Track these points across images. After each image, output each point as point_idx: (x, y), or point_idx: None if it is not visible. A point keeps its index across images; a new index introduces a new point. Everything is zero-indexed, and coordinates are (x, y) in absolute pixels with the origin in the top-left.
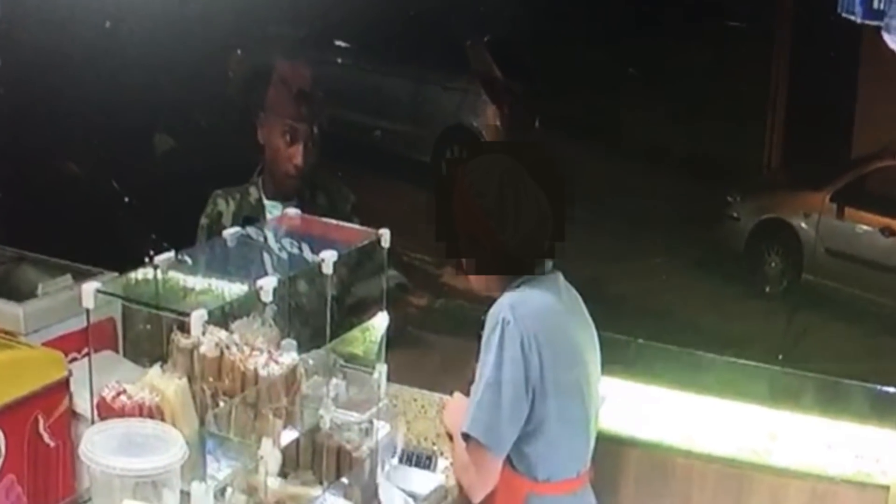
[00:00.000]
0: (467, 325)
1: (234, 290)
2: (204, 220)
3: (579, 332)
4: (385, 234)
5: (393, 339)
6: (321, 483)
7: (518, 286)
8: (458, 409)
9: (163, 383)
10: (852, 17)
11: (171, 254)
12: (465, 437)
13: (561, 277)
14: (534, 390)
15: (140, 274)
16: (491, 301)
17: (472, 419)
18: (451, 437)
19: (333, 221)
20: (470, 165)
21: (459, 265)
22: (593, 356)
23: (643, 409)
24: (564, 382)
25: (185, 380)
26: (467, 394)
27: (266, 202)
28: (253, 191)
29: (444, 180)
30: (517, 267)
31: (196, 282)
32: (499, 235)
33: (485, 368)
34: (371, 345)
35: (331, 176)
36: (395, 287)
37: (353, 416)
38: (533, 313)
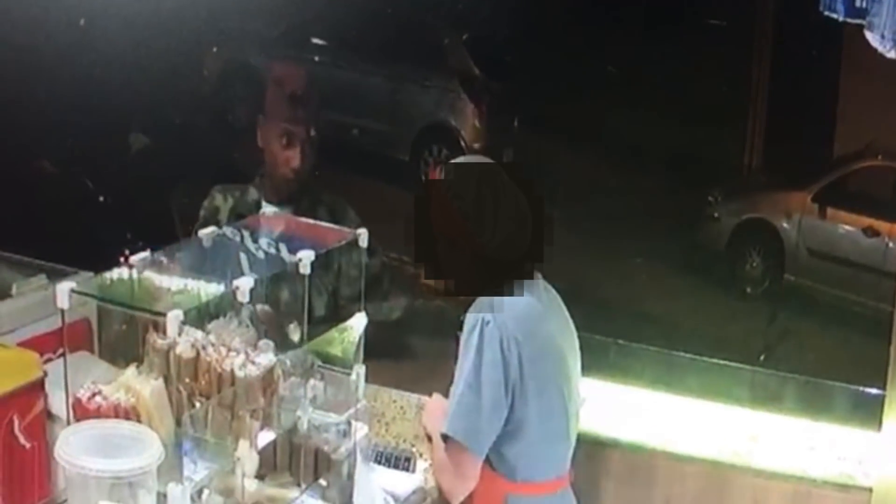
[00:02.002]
0: (445, 326)
1: (210, 290)
2: (202, 213)
3: (559, 333)
4: (363, 234)
5: (371, 340)
6: (299, 485)
7: (490, 294)
8: (436, 411)
9: (139, 384)
10: (834, 16)
11: (147, 253)
12: (445, 437)
13: (541, 278)
14: (513, 392)
15: (115, 274)
16: (470, 302)
17: (452, 420)
18: (429, 439)
19: (311, 221)
20: (447, 167)
21: (441, 284)
22: (573, 357)
23: (624, 410)
24: (544, 384)
25: (161, 381)
26: (446, 395)
27: (264, 205)
28: (252, 191)
29: (421, 199)
30: (497, 271)
31: (172, 282)
32: (477, 238)
33: (464, 369)
34: (349, 346)
35: (334, 194)
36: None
37: (331, 418)
38: (512, 314)
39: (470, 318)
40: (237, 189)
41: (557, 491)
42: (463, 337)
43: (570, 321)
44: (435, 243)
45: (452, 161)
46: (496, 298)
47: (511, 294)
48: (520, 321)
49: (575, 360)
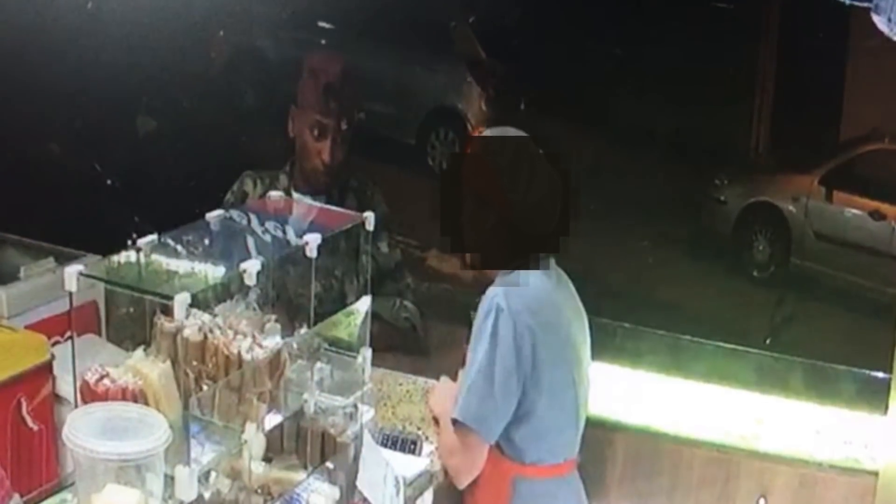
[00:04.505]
0: (453, 309)
1: (217, 273)
2: (229, 197)
3: (571, 318)
4: (370, 217)
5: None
6: (305, 467)
7: (514, 269)
8: (444, 393)
9: (146, 367)
10: None
11: (155, 237)
12: (454, 421)
13: (553, 262)
14: (525, 379)
15: (123, 257)
16: (482, 287)
17: (463, 405)
18: (436, 422)
19: (318, 204)
20: (485, 131)
21: (463, 259)
22: (584, 342)
23: (630, 393)
24: (555, 370)
25: (168, 363)
26: (455, 378)
27: (294, 193)
28: (283, 179)
29: (447, 174)
30: (525, 243)
31: (180, 265)
32: (509, 194)
33: (476, 355)
34: (355, 329)
35: (365, 182)
36: (405, 321)
37: (338, 401)
38: (527, 301)
39: (484, 304)
40: (267, 175)
41: (565, 474)
42: (476, 321)
43: (581, 306)
44: (462, 211)
45: (491, 128)
46: (511, 288)
47: (535, 267)
48: (533, 308)
49: (585, 344)
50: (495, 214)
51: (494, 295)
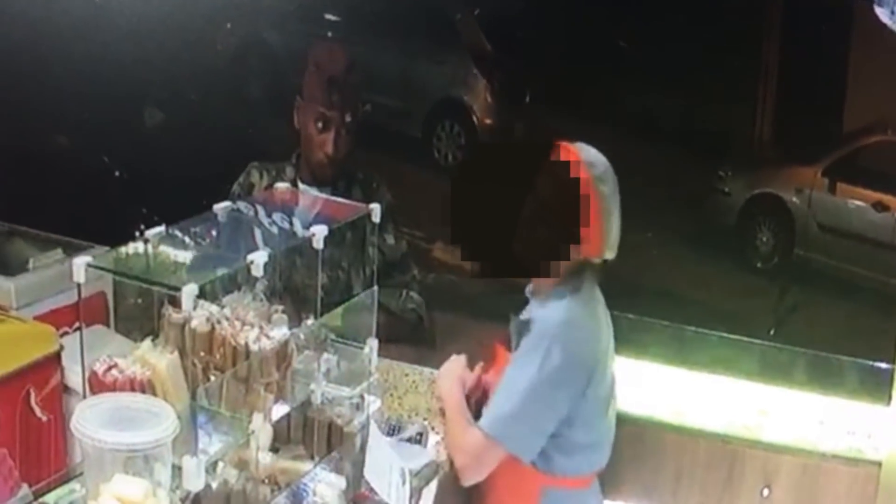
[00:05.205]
0: (459, 299)
1: (225, 264)
2: (235, 188)
3: (608, 340)
4: (376, 209)
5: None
6: (312, 457)
7: (569, 290)
8: (451, 379)
9: (154, 358)
10: None
11: (162, 228)
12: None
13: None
14: (567, 407)
15: (131, 248)
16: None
17: (501, 422)
18: (442, 412)
19: (324, 196)
20: (588, 151)
21: (483, 266)
22: (613, 358)
23: (634, 384)
24: (594, 398)
25: (176, 354)
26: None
27: (300, 185)
28: (289, 171)
29: (459, 181)
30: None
31: (187, 256)
32: (604, 222)
33: (522, 373)
34: (362, 320)
35: (370, 173)
36: (412, 312)
37: (344, 391)
38: (580, 335)
39: (540, 326)
40: (273, 167)
41: (591, 484)
42: (530, 339)
43: (609, 319)
44: (528, 227)
45: (584, 147)
46: (567, 315)
47: (579, 305)
48: (585, 343)
49: (613, 360)
50: (575, 246)
51: (552, 323)
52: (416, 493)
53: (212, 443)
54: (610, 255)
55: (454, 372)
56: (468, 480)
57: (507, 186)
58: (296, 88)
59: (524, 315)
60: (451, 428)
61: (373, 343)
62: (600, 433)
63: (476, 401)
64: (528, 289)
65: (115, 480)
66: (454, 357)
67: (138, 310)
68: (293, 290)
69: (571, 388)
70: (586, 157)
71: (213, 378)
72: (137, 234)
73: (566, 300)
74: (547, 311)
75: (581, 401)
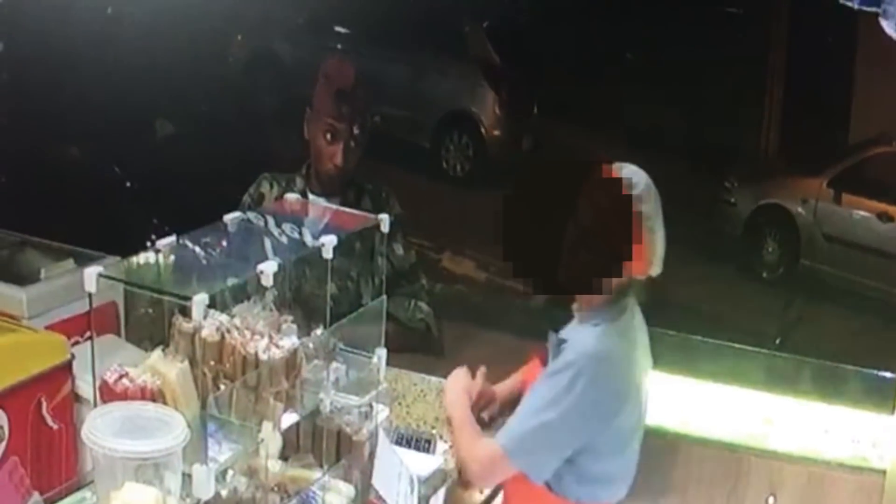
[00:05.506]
0: (467, 309)
1: (235, 274)
2: (246, 199)
3: (642, 373)
4: (385, 220)
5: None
6: (321, 465)
7: (607, 317)
8: (458, 391)
9: (164, 367)
10: (849, 4)
11: (173, 238)
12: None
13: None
14: (587, 438)
15: (142, 258)
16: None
17: (517, 439)
18: (449, 423)
19: (333, 206)
20: (625, 173)
21: (535, 283)
22: (647, 381)
23: None
24: (617, 431)
25: (186, 363)
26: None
27: (310, 195)
28: (299, 181)
29: (513, 199)
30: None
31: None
32: (650, 239)
33: (544, 396)
34: (370, 329)
35: (379, 184)
36: (420, 321)
37: (353, 400)
38: (609, 370)
39: (571, 350)
40: (284, 177)
41: None
42: (559, 362)
43: (648, 344)
44: (574, 250)
45: (628, 165)
46: (601, 347)
47: (616, 335)
48: (615, 377)
49: (648, 383)
50: (627, 263)
51: (584, 353)
52: (424, 501)
53: (221, 451)
54: (655, 271)
55: (458, 384)
56: (478, 486)
57: (557, 204)
58: (306, 100)
59: (563, 333)
60: (460, 438)
61: (381, 352)
62: (619, 466)
63: (481, 408)
64: (575, 305)
65: (125, 488)
66: (457, 370)
67: (149, 319)
68: (303, 299)
69: (592, 421)
70: (631, 176)
71: (222, 387)
72: (148, 244)
73: (602, 328)
74: (581, 337)
75: (602, 433)
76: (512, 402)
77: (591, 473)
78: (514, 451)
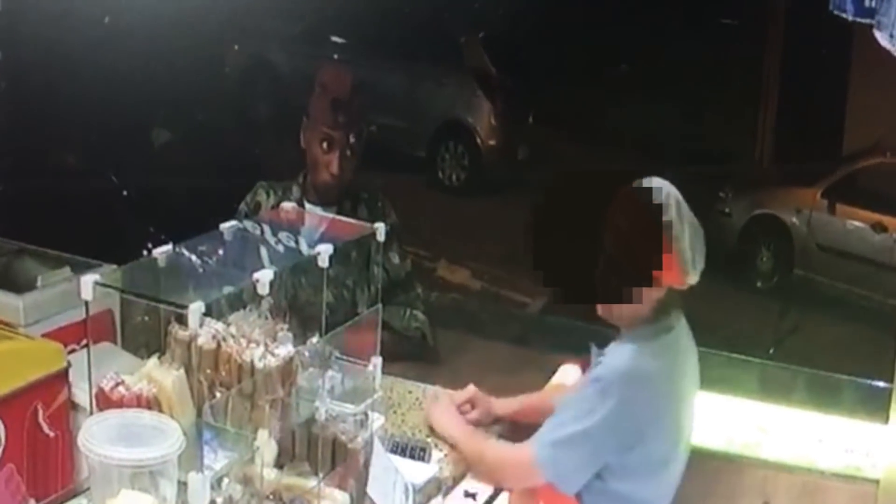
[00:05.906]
0: (462, 318)
1: (231, 282)
2: (242, 207)
3: (685, 393)
4: (381, 228)
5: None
6: (316, 473)
7: (643, 336)
8: (440, 409)
9: (160, 374)
10: (844, 15)
11: (169, 246)
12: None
13: (683, 320)
14: (615, 455)
15: (138, 266)
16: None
17: (547, 446)
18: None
19: (329, 215)
20: (640, 183)
21: (565, 292)
22: (693, 401)
23: None
24: (644, 455)
25: (182, 371)
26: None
27: (306, 204)
28: (295, 190)
29: (541, 208)
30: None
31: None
32: (680, 248)
33: (574, 409)
34: (366, 337)
35: (376, 193)
36: (416, 330)
37: (349, 408)
38: (636, 393)
39: (604, 366)
40: (280, 186)
41: None
42: (592, 376)
43: (697, 364)
44: (606, 271)
45: (653, 178)
46: (636, 366)
47: (652, 354)
48: (644, 397)
49: (695, 396)
50: (648, 276)
51: (614, 371)
52: None
53: (217, 459)
54: (692, 280)
55: (438, 408)
56: (509, 487)
57: (587, 214)
58: (302, 109)
59: (606, 349)
60: (475, 450)
61: (377, 361)
62: (651, 491)
63: (478, 416)
64: (616, 321)
65: (121, 496)
66: (427, 399)
67: (145, 327)
68: (298, 308)
69: (615, 440)
70: (657, 187)
71: (218, 395)
72: (145, 252)
73: (635, 347)
74: (616, 353)
75: (627, 454)
76: (543, 411)
77: (620, 494)
78: (545, 459)
